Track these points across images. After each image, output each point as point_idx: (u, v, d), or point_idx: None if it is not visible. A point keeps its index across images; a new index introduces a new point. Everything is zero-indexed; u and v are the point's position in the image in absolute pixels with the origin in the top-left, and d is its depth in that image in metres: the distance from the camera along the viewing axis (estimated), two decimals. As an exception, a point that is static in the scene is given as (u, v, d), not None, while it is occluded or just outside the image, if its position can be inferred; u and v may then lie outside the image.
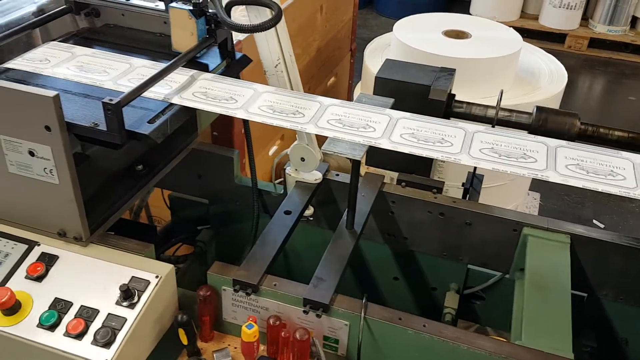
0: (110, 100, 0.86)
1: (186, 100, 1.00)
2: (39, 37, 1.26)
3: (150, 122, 0.94)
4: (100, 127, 0.91)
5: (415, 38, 2.13)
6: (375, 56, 2.35)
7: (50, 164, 0.94)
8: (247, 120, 1.34)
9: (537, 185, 3.06)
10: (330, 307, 0.95)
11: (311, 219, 1.34)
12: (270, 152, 2.04)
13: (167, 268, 1.01)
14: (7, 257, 1.01)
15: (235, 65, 1.17)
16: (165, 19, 1.24)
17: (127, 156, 1.21)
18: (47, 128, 0.90)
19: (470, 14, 5.23)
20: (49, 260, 1.01)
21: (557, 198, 3.35)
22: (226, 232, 1.52)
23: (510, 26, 2.37)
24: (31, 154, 0.94)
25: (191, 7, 1.09)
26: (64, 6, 1.23)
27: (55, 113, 0.88)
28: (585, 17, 5.18)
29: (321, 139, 1.05)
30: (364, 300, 0.95)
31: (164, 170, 1.26)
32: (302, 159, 1.21)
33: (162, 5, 1.23)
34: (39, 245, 1.03)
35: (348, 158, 0.88)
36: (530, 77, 2.27)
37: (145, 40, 1.25)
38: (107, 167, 1.18)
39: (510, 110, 1.20)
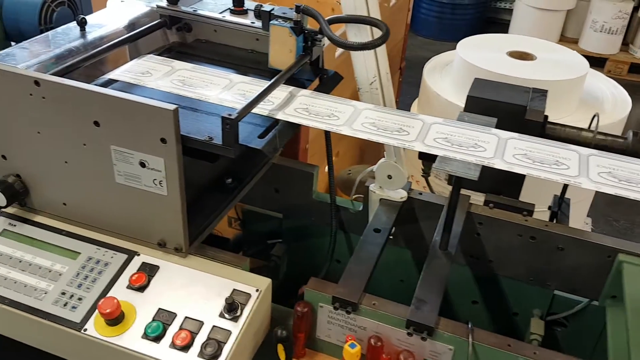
0: (229, 115, 0.87)
1: (290, 116, 1.00)
2: (127, 49, 1.30)
3: (261, 137, 0.95)
4: (215, 141, 0.92)
5: (480, 58, 2.13)
6: (435, 74, 2.35)
7: (160, 175, 0.95)
8: (330, 137, 1.34)
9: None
10: (435, 330, 0.94)
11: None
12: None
13: (265, 282, 1.01)
14: (107, 267, 1.02)
15: (329, 82, 1.18)
16: (258, 36, 1.26)
17: (217, 169, 1.22)
18: (163, 140, 0.91)
19: None
20: (150, 270, 1.01)
21: (606, 223, 3.28)
22: (298, 247, 1.52)
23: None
24: (142, 165, 0.95)
25: (292, 25, 1.10)
26: (159, 20, 1.26)
27: (174, 126, 0.89)
28: (626, 42, 5.12)
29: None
30: (469, 326, 0.93)
31: (250, 184, 1.27)
32: (389, 177, 1.21)
33: (258, 23, 1.24)
34: (138, 255, 1.04)
35: (462, 177, 0.87)
36: (594, 101, 2.24)
37: (237, 56, 1.26)
38: (200, 180, 1.19)
39: (605, 134, 1.18)
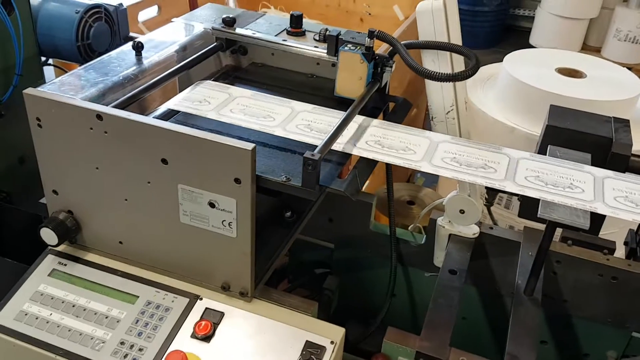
0: (312, 155, 0.80)
1: (363, 150, 0.92)
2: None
3: (340, 176, 0.87)
4: (293, 182, 0.85)
5: (528, 74, 2.04)
6: (476, 89, 2.27)
7: (231, 216, 0.88)
8: (390, 167, 1.26)
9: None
10: (532, 390, 0.86)
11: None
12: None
13: (339, 333, 0.93)
14: (168, 312, 0.95)
15: (399, 111, 1.10)
16: (319, 60, 1.19)
17: (275, 202, 1.15)
18: (237, 180, 0.84)
19: (531, 45, 5.13)
20: (214, 317, 0.94)
21: None
22: (349, 279, 1.44)
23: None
24: (211, 205, 0.88)
25: (363, 51, 1.03)
26: (215, 44, 1.19)
27: (251, 166, 0.82)
28: (649, 51, 5.02)
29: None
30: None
31: (308, 217, 1.19)
32: (462, 211, 1.13)
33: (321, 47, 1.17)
34: (201, 299, 0.97)
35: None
36: (642, 119, 2.15)
37: (297, 81, 1.19)
38: (257, 214, 1.12)
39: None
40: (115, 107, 0.90)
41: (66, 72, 1.95)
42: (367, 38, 1.01)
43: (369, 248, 1.35)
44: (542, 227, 1.26)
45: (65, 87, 0.92)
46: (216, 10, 1.35)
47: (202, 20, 1.27)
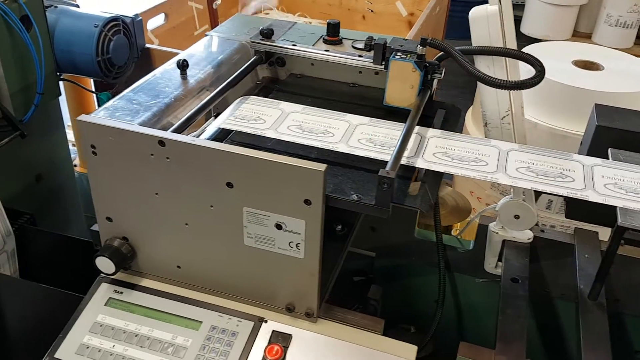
0: (387, 173, 0.78)
1: (433, 164, 0.91)
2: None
3: (412, 192, 0.85)
4: (365, 201, 0.83)
5: (547, 68, 2.03)
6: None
7: (299, 237, 0.86)
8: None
9: None
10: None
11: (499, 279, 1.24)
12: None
13: (411, 351, 0.91)
14: (235, 337, 0.93)
15: (452, 118, 1.08)
16: (361, 69, 1.17)
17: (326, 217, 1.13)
18: (307, 202, 0.81)
19: (522, 34, 5.14)
20: (283, 340, 0.92)
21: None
22: (391, 287, 1.42)
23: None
24: (278, 227, 0.86)
25: (415, 60, 1.01)
26: (255, 57, 1.16)
27: (322, 187, 0.80)
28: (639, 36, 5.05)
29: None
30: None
31: (357, 228, 1.17)
32: (516, 217, 1.12)
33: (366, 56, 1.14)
34: (266, 322, 0.94)
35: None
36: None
37: (340, 91, 1.17)
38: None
39: None
40: (174, 131, 0.88)
41: (79, 86, 1.95)
42: (418, 46, 0.99)
43: (413, 255, 1.34)
44: (593, 227, 1.26)
45: (119, 112, 0.89)
46: (245, 21, 1.32)
47: (235, 32, 1.24)
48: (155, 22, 2.39)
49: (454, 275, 1.34)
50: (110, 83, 1.73)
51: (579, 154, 1.00)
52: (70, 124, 2.26)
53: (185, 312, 0.95)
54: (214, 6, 1.57)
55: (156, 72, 1.04)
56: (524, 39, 5.14)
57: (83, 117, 0.86)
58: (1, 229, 1.49)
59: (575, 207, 1.27)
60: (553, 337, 1.33)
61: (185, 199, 0.88)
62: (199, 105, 0.95)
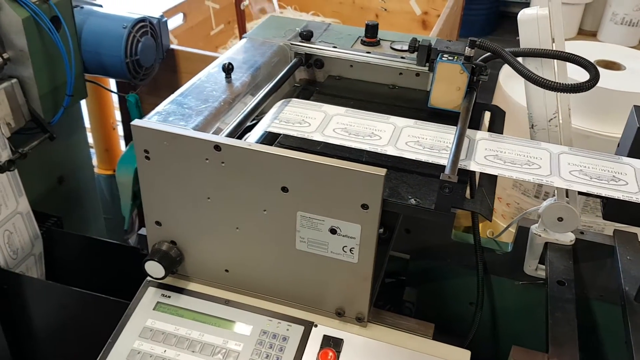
0: (449, 177, 0.77)
1: (487, 167, 0.90)
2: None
3: (472, 196, 0.85)
4: (424, 205, 0.82)
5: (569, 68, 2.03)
6: (512, 83, 2.25)
7: (353, 242, 0.85)
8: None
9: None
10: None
11: (540, 281, 1.24)
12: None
13: (465, 355, 0.91)
14: (286, 341, 0.92)
15: (498, 120, 1.08)
16: (401, 70, 1.16)
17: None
18: (364, 206, 0.81)
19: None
20: (335, 345, 0.91)
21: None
22: (425, 290, 1.42)
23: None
24: (333, 231, 0.85)
25: (463, 61, 1.00)
26: (295, 60, 1.16)
27: (381, 192, 0.79)
28: (645, 33, 5.04)
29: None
30: None
31: (397, 231, 1.17)
32: (560, 219, 1.11)
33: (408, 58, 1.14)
34: (316, 326, 0.94)
35: None
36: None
37: (380, 93, 1.16)
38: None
39: None
40: (228, 135, 0.87)
41: (102, 87, 1.94)
42: (467, 47, 0.99)
43: (449, 258, 1.33)
44: (632, 229, 1.26)
45: (172, 116, 0.88)
46: (280, 23, 1.31)
47: (272, 34, 1.23)
48: (174, 22, 2.38)
49: (491, 277, 1.33)
50: (137, 84, 1.73)
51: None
52: (88, 125, 2.26)
53: (234, 316, 0.95)
54: (242, 7, 1.56)
55: (201, 75, 1.03)
56: None
57: (137, 122, 0.85)
58: (30, 232, 1.49)
59: (614, 209, 1.27)
60: (589, 339, 1.32)
61: (238, 203, 0.88)
62: (249, 109, 0.94)
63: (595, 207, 1.97)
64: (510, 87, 2.23)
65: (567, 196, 1.11)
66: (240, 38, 1.61)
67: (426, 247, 1.35)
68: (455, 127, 0.99)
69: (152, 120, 0.87)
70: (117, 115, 2.28)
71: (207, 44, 2.74)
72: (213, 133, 0.89)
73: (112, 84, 2.07)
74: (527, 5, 5.59)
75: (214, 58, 1.82)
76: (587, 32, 5.53)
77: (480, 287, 1.25)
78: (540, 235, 1.16)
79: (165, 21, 1.73)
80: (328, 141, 0.95)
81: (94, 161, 2.37)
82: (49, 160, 1.72)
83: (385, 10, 3.40)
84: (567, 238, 1.14)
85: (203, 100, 0.94)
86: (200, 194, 0.88)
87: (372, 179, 0.78)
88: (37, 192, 1.61)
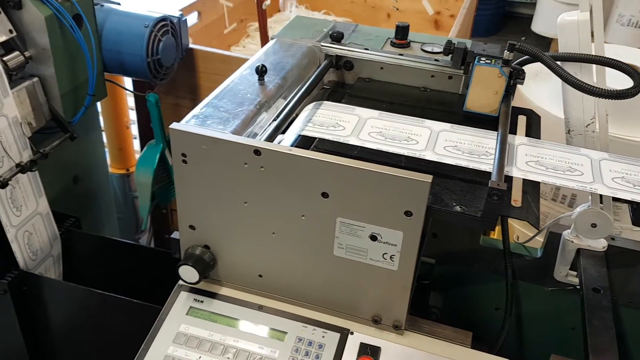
0: (498, 185, 0.76)
1: (529, 173, 0.88)
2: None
3: (519, 204, 0.83)
4: (469, 212, 0.81)
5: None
6: (529, 85, 2.23)
7: (394, 249, 0.84)
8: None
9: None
10: None
11: (577, 287, 1.22)
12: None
13: (503, 362, 0.90)
14: (322, 349, 0.91)
15: (534, 124, 1.06)
16: (433, 73, 1.15)
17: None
18: (408, 213, 0.80)
19: (533, 32, 5.09)
20: (372, 353, 0.90)
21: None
22: (450, 295, 1.41)
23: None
24: (373, 238, 0.84)
25: (501, 65, 0.99)
26: (326, 61, 1.14)
27: (426, 198, 0.78)
28: (651, 35, 5.01)
29: None
30: None
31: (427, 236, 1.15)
32: (593, 225, 1.10)
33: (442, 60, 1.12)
34: (352, 333, 0.93)
35: None
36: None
37: (412, 96, 1.14)
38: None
39: None
40: (267, 140, 0.86)
41: (120, 86, 1.92)
42: (505, 51, 0.97)
43: (477, 263, 1.32)
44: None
45: (210, 120, 0.87)
46: (306, 23, 1.30)
47: (300, 35, 1.21)
48: (189, 21, 2.36)
49: (518, 282, 1.32)
50: (157, 84, 1.72)
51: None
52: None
53: (268, 323, 0.94)
54: (263, 7, 1.55)
55: (234, 77, 1.01)
56: (534, 38, 5.13)
57: (176, 126, 0.84)
58: (49, 233, 1.48)
59: (647, 215, 1.25)
60: (619, 346, 1.31)
61: (276, 209, 0.86)
62: (285, 113, 0.93)
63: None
64: (528, 89, 2.22)
65: (601, 202, 1.10)
66: (262, 37, 1.60)
67: (453, 251, 1.34)
68: (491, 131, 0.98)
69: (190, 124, 0.86)
70: (131, 114, 2.27)
71: (220, 43, 2.72)
72: (249, 137, 0.88)
73: (126, 82, 2.06)
74: (533, 5, 5.55)
75: (233, 58, 1.82)
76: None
77: (510, 293, 1.23)
78: (572, 242, 1.14)
79: (185, 20, 1.71)
80: (365, 145, 0.94)
81: (107, 160, 2.36)
82: (64, 159, 1.71)
83: (397, 9, 3.38)
84: (600, 244, 1.13)
85: (238, 103, 0.93)
86: (237, 199, 0.87)
87: (418, 186, 0.77)
88: (53, 192, 1.60)
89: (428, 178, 0.76)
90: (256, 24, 3.11)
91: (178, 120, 0.86)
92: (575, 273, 1.22)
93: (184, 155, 0.85)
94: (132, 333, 1.39)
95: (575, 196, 2.12)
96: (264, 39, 1.59)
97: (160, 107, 1.75)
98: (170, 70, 1.68)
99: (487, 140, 0.96)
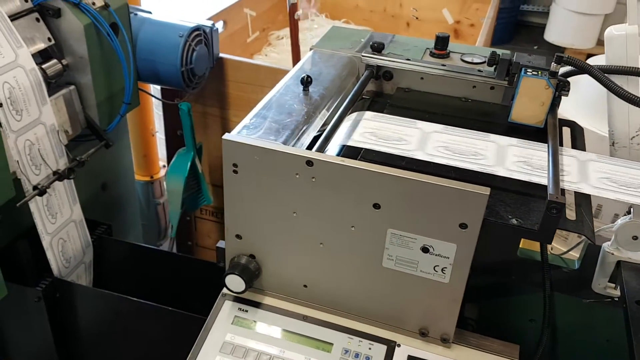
0: (557, 198, 0.75)
1: (602, 190, 0.85)
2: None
3: (577, 215, 0.82)
4: (526, 226, 0.80)
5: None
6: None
7: (446, 262, 0.84)
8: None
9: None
10: None
11: (616, 299, 1.21)
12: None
13: (554, 377, 0.89)
14: (369, 361, 0.91)
15: (579, 137, 1.06)
16: (475, 83, 1.14)
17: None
18: (463, 225, 0.79)
19: (546, 41, 5.07)
20: (420, 365, 0.90)
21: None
22: (483, 305, 1.40)
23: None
24: (425, 250, 0.84)
25: (549, 77, 0.98)
26: (366, 72, 1.14)
27: (483, 211, 0.77)
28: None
29: None
30: None
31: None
32: (635, 238, 1.09)
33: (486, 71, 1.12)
34: (399, 346, 0.92)
35: None
36: None
37: (454, 106, 1.14)
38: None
39: None
40: (317, 150, 0.86)
41: (147, 93, 1.94)
42: (553, 63, 0.97)
43: (513, 274, 1.31)
44: None
45: (261, 131, 0.87)
46: (342, 34, 1.30)
47: (338, 46, 1.22)
48: (214, 30, 2.38)
49: (554, 294, 1.31)
50: (189, 93, 1.73)
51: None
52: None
53: (313, 333, 0.93)
54: (296, 17, 1.56)
55: (279, 88, 1.02)
56: (547, 47, 5.11)
57: (228, 136, 0.84)
58: (82, 240, 1.49)
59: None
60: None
61: (325, 219, 0.86)
62: (333, 123, 0.93)
63: None
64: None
65: (645, 215, 1.09)
66: (293, 46, 1.60)
67: (490, 262, 1.33)
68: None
69: (241, 134, 0.86)
70: (156, 121, 2.28)
71: (244, 51, 2.74)
72: (298, 147, 0.88)
73: (152, 90, 2.08)
74: (546, 15, 5.51)
75: (262, 67, 1.82)
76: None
77: (548, 306, 1.22)
78: (613, 254, 1.13)
79: (217, 29, 1.72)
80: (434, 160, 0.92)
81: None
82: (94, 167, 1.72)
83: (417, 18, 3.38)
84: (642, 257, 1.12)
85: (286, 114, 0.93)
86: (287, 209, 0.87)
87: (475, 198, 0.76)
88: (82, 199, 1.61)
89: (486, 190, 0.76)
90: (277, 33, 3.15)
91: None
92: (613, 285, 1.21)
93: (235, 165, 0.85)
94: (164, 341, 1.39)
95: (600, 207, 2.10)
96: (295, 48, 1.60)
97: (192, 116, 1.77)
98: (202, 79, 1.69)
99: (539, 153, 0.94)
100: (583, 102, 2.14)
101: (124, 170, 1.95)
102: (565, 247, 1.38)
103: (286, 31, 3.19)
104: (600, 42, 5.46)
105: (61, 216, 1.39)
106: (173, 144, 2.07)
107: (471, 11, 3.30)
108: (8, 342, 1.47)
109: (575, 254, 1.29)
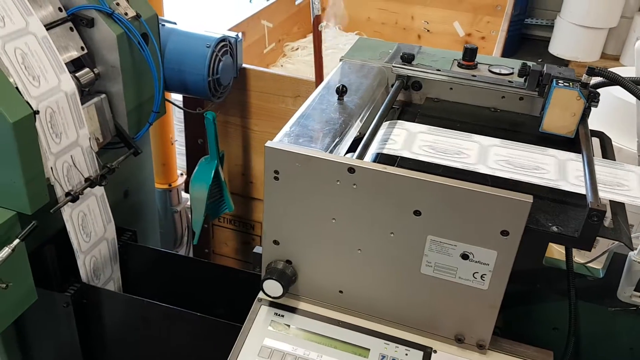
0: (598, 206, 0.77)
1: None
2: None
3: (614, 223, 0.84)
4: (566, 233, 0.82)
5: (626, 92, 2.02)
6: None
7: (486, 269, 0.85)
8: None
9: None
10: None
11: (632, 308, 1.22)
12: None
13: (590, 384, 0.90)
14: (406, 366, 0.92)
15: (608, 146, 1.07)
16: (504, 94, 1.16)
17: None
18: (504, 233, 0.81)
19: (551, 54, 5.09)
20: (457, 371, 0.91)
21: None
22: (506, 313, 1.40)
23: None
24: (464, 257, 0.85)
25: (579, 88, 1.00)
26: (397, 82, 1.16)
27: (525, 218, 0.79)
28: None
29: None
30: None
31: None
32: (664, 248, 1.10)
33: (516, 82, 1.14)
34: (435, 352, 0.93)
35: None
36: None
37: (484, 116, 1.15)
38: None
39: None
40: (357, 158, 0.88)
41: (170, 102, 1.96)
42: (585, 74, 0.99)
43: (539, 283, 1.32)
44: None
45: (302, 138, 0.89)
46: (370, 45, 1.33)
47: (367, 57, 1.24)
48: (233, 41, 2.42)
49: (578, 302, 1.32)
50: (214, 102, 1.75)
51: None
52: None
53: (350, 339, 0.95)
54: (320, 28, 1.59)
55: (314, 97, 1.04)
56: (551, 59, 5.12)
57: (270, 144, 0.86)
58: (111, 254, 1.50)
59: None
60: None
61: (364, 226, 0.88)
62: (370, 131, 0.95)
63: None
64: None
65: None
66: (316, 57, 1.62)
67: (515, 270, 1.34)
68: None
69: (283, 142, 0.88)
70: (175, 130, 2.31)
71: (260, 62, 2.77)
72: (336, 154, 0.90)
73: (173, 99, 2.11)
74: (550, 28, 5.52)
75: (285, 77, 1.85)
76: (610, 57, 5.48)
77: (573, 315, 1.23)
78: (639, 262, 1.14)
79: (241, 40, 1.76)
80: (495, 174, 0.92)
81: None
82: (118, 174, 1.73)
83: (428, 31, 3.41)
84: (670, 266, 1.13)
85: (324, 122, 0.95)
86: (326, 215, 0.89)
87: (518, 205, 0.78)
88: (106, 207, 1.64)
89: (528, 198, 0.77)
90: (292, 44, 3.19)
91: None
92: (639, 294, 1.22)
93: (276, 172, 0.87)
94: (190, 347, 1.40)
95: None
96: (318, 59, 1.62)
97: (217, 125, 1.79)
98: (227, 89, 1.71)
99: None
100: (597, 117, 2.15)
101: (145, 177, 1.97)
102: (588, 255, 1.38)
103: (300, 42, 3.23)
104: (604, 56, 5.48)
105: (95, 235, 1.41)
106: (194, 153, 2.09)
107: (482, 24, 3.33)
108: (32, 347, 1.48)
109: (599, 263, 1.30)
